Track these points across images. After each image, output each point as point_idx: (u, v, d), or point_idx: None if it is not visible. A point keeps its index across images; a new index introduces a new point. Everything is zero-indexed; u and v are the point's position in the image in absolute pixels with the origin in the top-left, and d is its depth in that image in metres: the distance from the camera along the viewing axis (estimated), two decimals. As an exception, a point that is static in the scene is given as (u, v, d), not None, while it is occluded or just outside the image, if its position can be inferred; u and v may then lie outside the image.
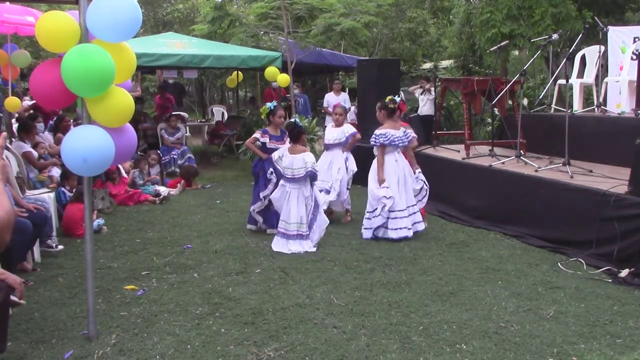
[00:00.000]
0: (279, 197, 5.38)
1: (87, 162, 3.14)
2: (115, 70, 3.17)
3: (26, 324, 3.56)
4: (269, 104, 5.90)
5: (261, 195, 5.76)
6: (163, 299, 4.00)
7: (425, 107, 10.82)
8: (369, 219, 5.60)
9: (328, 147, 6.51)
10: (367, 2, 11.72)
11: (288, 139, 5.70)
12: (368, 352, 3.16)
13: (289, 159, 5.32)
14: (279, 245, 5.24)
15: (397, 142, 5.56)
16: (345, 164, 6.30)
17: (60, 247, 5.14)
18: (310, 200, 5.28)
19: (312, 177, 5.28)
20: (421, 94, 11.01)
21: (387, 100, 5.65)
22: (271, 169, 5.70)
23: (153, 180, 8.22)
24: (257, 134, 5.89)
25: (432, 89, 10.67)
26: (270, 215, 5.78)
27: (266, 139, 5.83)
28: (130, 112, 3.40)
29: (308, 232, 5.22)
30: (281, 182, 5.41)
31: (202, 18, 15.19)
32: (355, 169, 6.36)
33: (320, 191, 6.04)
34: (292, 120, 5.72)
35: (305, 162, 5.22)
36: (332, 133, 6.46)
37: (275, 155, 5.47)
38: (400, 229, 5.49)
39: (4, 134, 2.18)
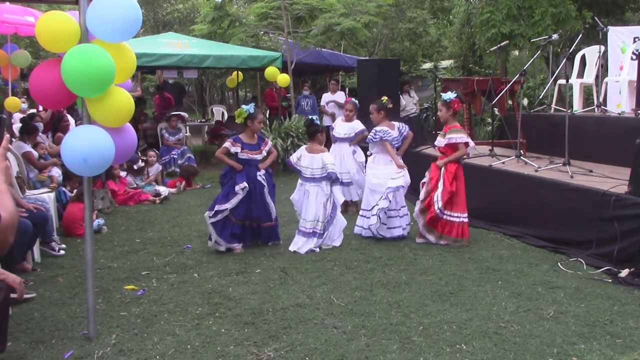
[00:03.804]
0: (298, 198, 5.34)
1: (87, 162, 3.14)
2: (115, 70, 3.18)
3: (26, 324, 3.56)
4: (246, 107, 5.16)
5: (217, 207, 5.01)
6: (163, 299, 4.00)
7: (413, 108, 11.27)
8: (363, 217, 5.65)
9: (336, 140, 6.67)
10: (367, 2, 11.73)
11: (266, 148, 5.22)
12: (368, 352, 3.16)
13: (308, 158, 5.30)
14: (296, 244, 5.21)
15: (394, 143, 5.60)
16: (353, 156, 6.53)
17: (62, 252, 5.11)
18: (330, 200, 5.27)
19: (332, 178, 5.27)
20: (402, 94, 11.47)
21: (384, 102, 5.67)
22: (244, 184, 5.02)
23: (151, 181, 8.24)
24: (227, 144, 5.16)
25: (410, 90, 11.49)
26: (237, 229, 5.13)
27: (237, 149, 5.10)
28: (130, 112, 3.41)
29: (322, 232, 5.21)
30: (299, 181, 5.38)
31: (202, 18, 15.19)
32: (363, 160, 6.45)
33: (342, 183, 6.18)
34: (311, 117, 5.62)
35: (325, 163, 5.23)
36: (342, 128, 6.65)
37: (294, 158, 5.40)
38: (395, 228, 5.52)
39: (7, 136, 2.18)
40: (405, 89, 11.54)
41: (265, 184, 5.17)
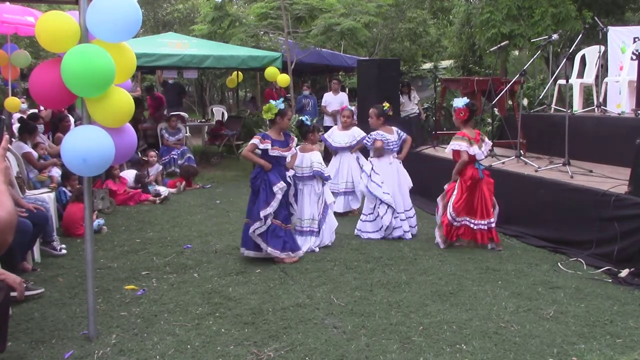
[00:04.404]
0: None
1: (87, 162, 3.14)
2: (115, 71, 3.18)
3: (26, 324, 3.56)
4: (275, 102, 4.92)
5: (261, 214, 4.74)
6: (163, 299, 4.00)
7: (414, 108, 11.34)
8: (363, 221, 5.68)
9: (337, 149, 6.64)
10: (367, 2, 11.73)
11: (294, 144, 5.08)
12: (368, 352, 3.16)
13: (300, 157, 5.29)
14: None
15: (391, 147, 5.60)
16: (358, 162, 6.48)
17: (64, 251, 5.11)
18: (321, 198, 5.28)
19: (320, 177, 5.26)
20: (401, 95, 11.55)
21: (385, 108, 5.66)
22: (282, 183, 4.81)
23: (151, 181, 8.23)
24: (255, 140, 4.88)
25: (411, 91, 11.46)
26: (285, 236, 4.88)
27: (267, 145, 4.83)
28: (130, 112, 3.41)
29: (318, 230, 5.23)
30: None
31: (202, 18, 15.20)
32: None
33: (339, 194, 6.34)
34: (301, 118, 5.60)
35: (312, 162, 5.22)
36: (342, 137, 6.62)
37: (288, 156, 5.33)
38: (396, 228, 5.56)
39: (6, 136, 2.18)
40: (404, 90, 11.52)
41: (293, 185, 5.07)
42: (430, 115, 12.37)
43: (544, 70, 15.78)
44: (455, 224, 5.18)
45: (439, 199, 5.44)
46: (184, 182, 8.41)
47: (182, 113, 11.76)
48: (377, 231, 5.57)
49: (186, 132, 10.84)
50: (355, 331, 3.43)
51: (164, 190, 7.77)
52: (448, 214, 5.18)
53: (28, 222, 4.34)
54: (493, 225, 5.20)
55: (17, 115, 8.90)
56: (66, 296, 4.07)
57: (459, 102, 5.21)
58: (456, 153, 5.21)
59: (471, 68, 17.11)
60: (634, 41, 8.27)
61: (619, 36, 8.74)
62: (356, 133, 6.57)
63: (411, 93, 11.60)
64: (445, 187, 5.36)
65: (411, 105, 11.46)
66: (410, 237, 5.60)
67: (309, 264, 4.79)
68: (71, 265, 4.80)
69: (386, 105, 5.68)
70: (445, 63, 19.54)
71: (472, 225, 5.18)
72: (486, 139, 5.33)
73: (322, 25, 11.03)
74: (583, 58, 8.52)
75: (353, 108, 11.22)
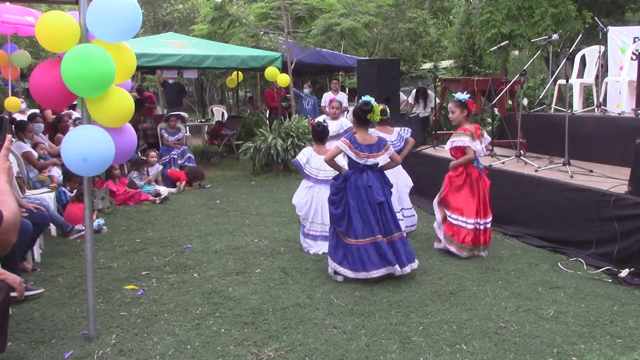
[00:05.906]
0: (305, 202, 5.06)
1: (87, 162, 3.14)
2: (115, 71, 3.18)
3: (26, 324, 3.56)
4: (371, 100, 4.56)
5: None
6: (163, 299, 4.00)
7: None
8: None
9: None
10: (367, 3, 11.74)
11: None
12: (368, 352, 3.16)
13: (319, 160, 5.03)
14: (312, 248, 5.10)
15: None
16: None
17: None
18: None
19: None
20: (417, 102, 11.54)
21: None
22: None
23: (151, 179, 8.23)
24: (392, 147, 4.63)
25: (428, 97, 11.37)
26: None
27: None
28: (130, 112, 3.41)
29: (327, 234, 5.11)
30: (306, 184, 5.13)
31: (202, 18, 15.19)
32: None
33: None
34: (320, 120, 5.50)
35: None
36: (331, 126, 6.51)
37: (302, 159, 5.13)
38: None
39: (9, 136, 2.19)
40: (418, 97, 11.31)
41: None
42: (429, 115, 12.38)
43: (544, 70, 15.79)
44: (461, 224, 4.94)
45: (435, 204, 5.19)
46: (184, 182, 8.42)
47: (182, 113, 11.75)
48: None
49: (186, 132, 10.84)
50: (355, 331, 3.43)
51: (164, 190, 7.78)
52: (449, 218, 4.99)
53: (28, 222, 4.34)
54: (489, 225, 5.06)
55: (18, 116, 8.90)
56: (66, 296, 4.07)
57: (464, 95, 4.96)
58: (459, 150, 4.96)
59: (471, 68, 17.12)
60: (634, 41, 8.28)
61: (619, 36, 8.74)
62: (344, 122, 6.49)
63: (428, 98, 11.38)
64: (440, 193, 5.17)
65: (420, 109, 11.37)
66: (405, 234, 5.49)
67: (309, 263, 4.78)
68: (71, 265, 4.80)
69: (380, 106, 5.57)
70: (445, 63, 19.55)
71: (467, 225, 4.94)
72: (485, 134, 5.17)
73: (322, 25, 11.02)
74: (583, 58, 8.53)
75: (352, 108, 11.26)
